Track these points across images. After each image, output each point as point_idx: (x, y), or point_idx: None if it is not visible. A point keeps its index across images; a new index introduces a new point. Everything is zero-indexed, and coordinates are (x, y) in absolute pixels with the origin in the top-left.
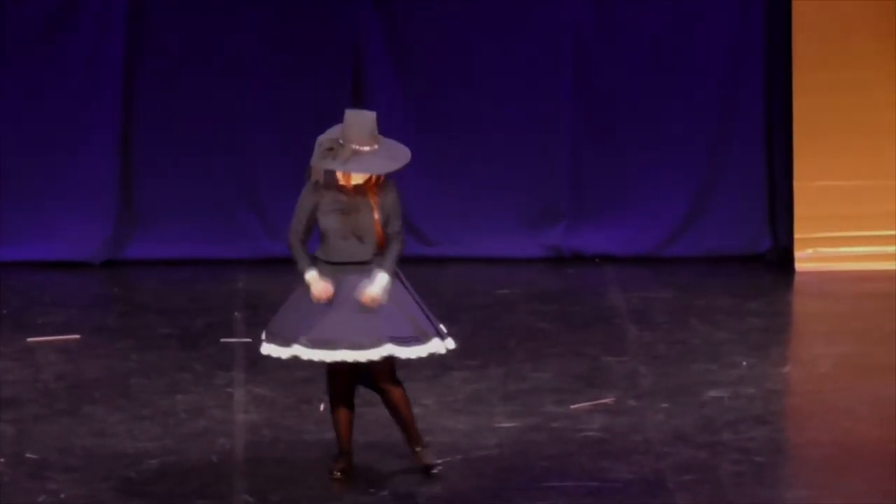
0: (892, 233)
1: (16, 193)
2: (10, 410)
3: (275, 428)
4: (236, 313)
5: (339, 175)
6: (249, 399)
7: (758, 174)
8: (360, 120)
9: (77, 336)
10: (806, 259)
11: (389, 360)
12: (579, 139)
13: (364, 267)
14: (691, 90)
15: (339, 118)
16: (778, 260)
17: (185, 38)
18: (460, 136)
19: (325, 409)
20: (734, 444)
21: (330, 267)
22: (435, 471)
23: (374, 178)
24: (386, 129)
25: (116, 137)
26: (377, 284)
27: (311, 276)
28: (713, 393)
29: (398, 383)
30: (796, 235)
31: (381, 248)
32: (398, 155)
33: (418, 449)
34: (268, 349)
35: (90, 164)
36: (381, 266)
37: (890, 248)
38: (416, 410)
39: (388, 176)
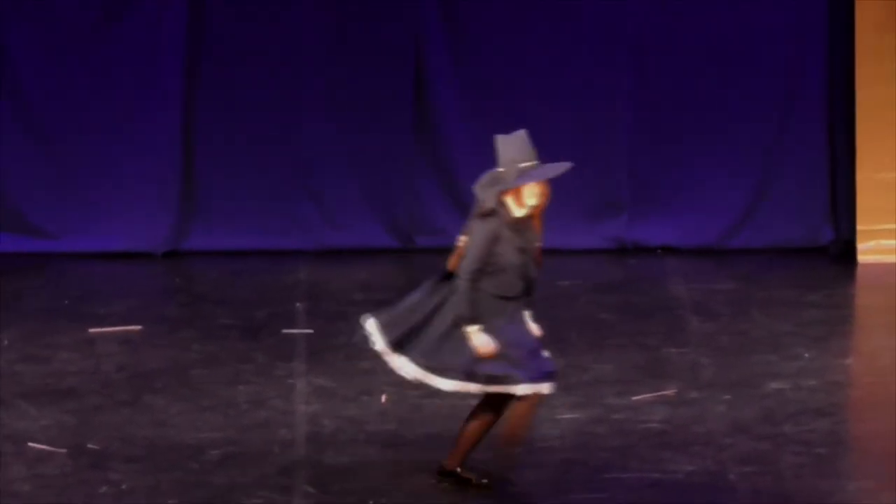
0: None
1: (78, 184)
2: (71, 401)
3: (336, 419)
4: (297, 304)
5: (514, 206)
6: (311, 390)
7: (820, 166)
8: (516, 140)
9: (138, 327)
10: (868, 251)
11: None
12: (640, 131)
13: (520, 301)
14: (752, 82)
15: (398, 108)
16: (840, 252)
17: (246, 28)
18: (517, 128)
19: (386, 400)
20: (795, 436)
21: (502, 302)
22: (485, 481)
23: (539, 211)
24: (443, 123)
25: (178, 128)
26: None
27: (476, 331)
28: (774, 385)
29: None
30: (858, 227)
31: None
32: (558, 165)
33: (460, 470)
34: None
35: (152, 155)
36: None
37: None
38: (473, 401)
39: None
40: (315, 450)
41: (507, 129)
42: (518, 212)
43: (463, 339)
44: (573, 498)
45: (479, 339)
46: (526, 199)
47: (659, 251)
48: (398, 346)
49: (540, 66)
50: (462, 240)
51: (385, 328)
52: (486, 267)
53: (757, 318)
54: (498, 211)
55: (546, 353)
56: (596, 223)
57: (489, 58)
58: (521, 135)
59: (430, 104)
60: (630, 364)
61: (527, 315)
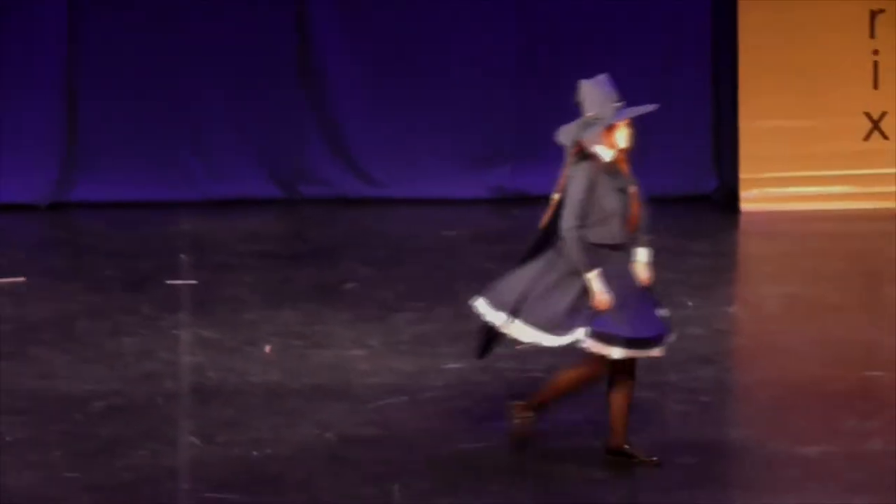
0: (838, 172)
1: None
2: None
3: (221, 370)
4: (182, 255)
5: (604, 149)
6: (195, 341)
7: (703, 115)
8: (602, 82)
9: (23, 278)
10: (751, 199)
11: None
12: (523, 81)
13: (626, 250)
14: (636, 32)
15: (281, 59)
16: (723, 200)
17: None
18: (405, 80)
19: (270, 350)
20: (680, 385)
21: (607, 251)
22: (654, 459)
23: (624, 153)
24: (331, 70)
25: (61, 81)
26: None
27: (596, 277)
28: None
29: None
30: (742, 176)
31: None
32: (645, 106)
33: (627, 447)
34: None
35: (35, 108)
36: (644, 244)
37: (836, 189)
38: (361, 352)
39: None
40: (200, 401)
41: (396, 80)
42: (608, 155)
43: (571, 294)
44: (458, 447)
45: (598, 287)
46: (618, 140)
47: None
48: (514, 314)
49: (426, 16)
50: (555, 197)
51: (495, 303)
52: (587, 216)
53: None
54: (593, 156)
55: (658, 311)
56: (480, 173)
57: (375, 6)
58: (604, 78)
59: (315, 54)
60: None
61: (638, 262)
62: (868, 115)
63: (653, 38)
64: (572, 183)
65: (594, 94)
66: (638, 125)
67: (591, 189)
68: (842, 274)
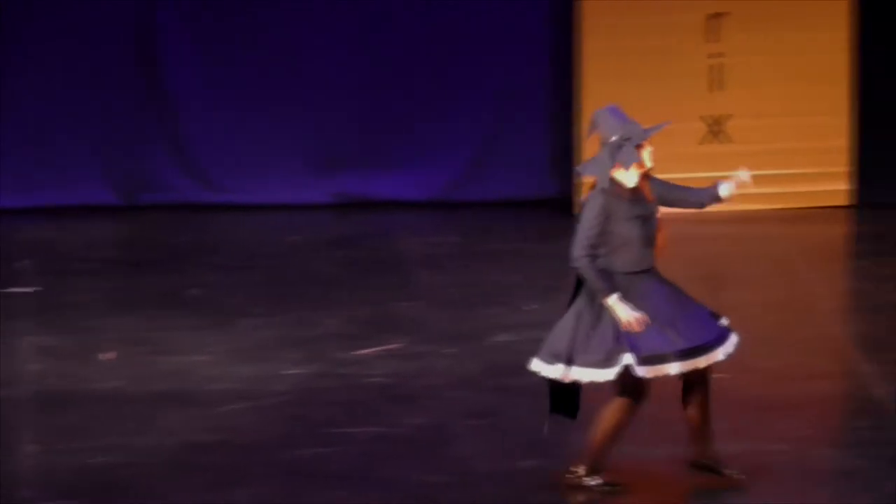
0: (677, 175)
1: None
2: None
3: (64, 377)
4: (23, 262)
5: (626, 174)
6: (38, 349)
7: (545, 118)
8: (614, 109)
9: (32, 289)
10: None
11: None
12: (366, 87)
13: (653, 273)
14: (476, 35)
15: (123, 64)
16: (565, 204)
17: None
18: (249, 86)
19: (113, 356)
20: (522, 388)
21: (628, 277)
22: (737, 473)
23: (644, 181)
24: (174, 77)
25: None
26: (728, 188)
27: (616, 301)
28: (501, 337)
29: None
30: (577, 180)
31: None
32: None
33: (707, 460)
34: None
35: None
36: (713, 190)
37: None
38: (204, 358)
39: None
40: (43, 409)
41: (239, 85)
42: (632, 179)
43: (612, 323)
44: (300, 453)
45: (621, 310)
46: (645, 159)
47: (387, 206)
48: (569, 362)
49: (271, 23)
50: None
51: (548, 358)
52: (602, 245)
53: (483, 270)
54: (606, 187)
55: (707, 315)
56: (322, 178)
57: (220, 12)
58: (615, 106)
59: (158, 60)
60: (358, 319)
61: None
62: (705, 118)
63: (493, 44)
64: (584, 212)
65: (612, 119)
66: (483, 131)
67: (604, 217)
68: (680, 277)
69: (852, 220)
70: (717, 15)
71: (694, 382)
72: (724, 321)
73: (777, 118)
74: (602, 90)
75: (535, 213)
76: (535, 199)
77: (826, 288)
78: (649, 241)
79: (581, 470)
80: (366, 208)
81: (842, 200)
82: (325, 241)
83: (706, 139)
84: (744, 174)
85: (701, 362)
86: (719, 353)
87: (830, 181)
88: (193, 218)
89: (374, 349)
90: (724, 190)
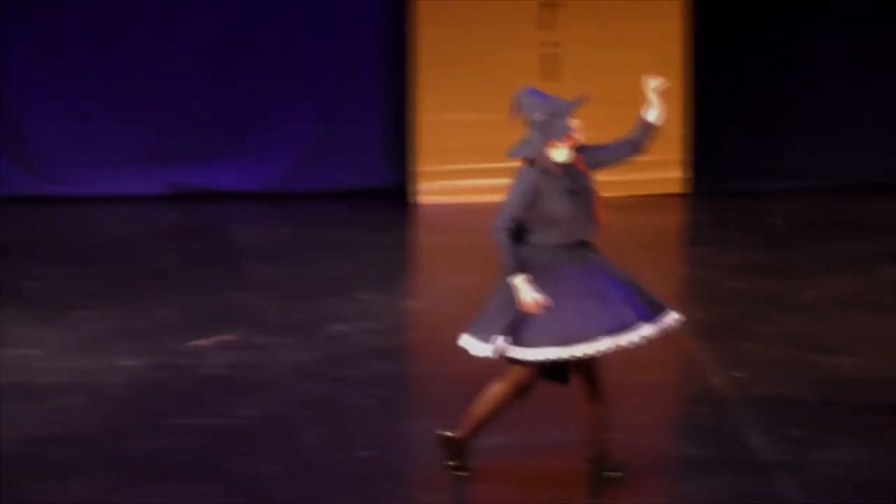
0: (506, 165)
1: None
2: None
3: None
4: None
5: (562, 150)
6: None
7: (380, 108)
8: (535, 90)
9: None
10: (427, 192)
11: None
12: (200, 78)
13: (585, 249)
14: (312, 26)
15: None
16: (400, 194)
17: None
18: (81, 76)
19: None
20: (359, 379)
21: (554, 251)
22: (615, 474)
23: (576, 153)
24: (6, 67)
25: None
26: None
27: (521, 281)
28: (337, 327)
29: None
30: (418, 168)
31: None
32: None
33: (595, 456)
34: (522, 353)
35: None
36: (642, 120)
37: (505, 181)
38: (39, 351)
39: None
40: None
41: (72, 75)
42: (562, 155)
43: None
44: (137, 445)
45: (524, 291)
46: (575, 133)
47: (220, 197)
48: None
49: (101, 13)
50: None
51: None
52: (532, 222)
53: (318, 261)
54: (538, 161)
55: (634, 297)
56: (156, 169)
57: (53, 2)
58: (534, 88)
59: None
60: (193, 310)
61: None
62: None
63: (330, 33)
64: (514, 186)
65: (533, 97)
66: (317, 122)
67: (534, 194)
68: None
69: (687, 209)
70: (551, 4)
71: (583, 373)
72: (658, 308)
73: (611, 108)
74: (436, 80)
75: (369, 204)
76: (369, 189)
77: (662, 276)
78: (585, 215)
79: (455, 434)
80: (200, 200)
81: (676, 189)
82: (159, 232)
83: None
84: (652, 82)
85: (581, 351)
86: (608, 342)
87: (665, 169)
88: (25, 210)
89: (210, 340)
90: (651, 115)
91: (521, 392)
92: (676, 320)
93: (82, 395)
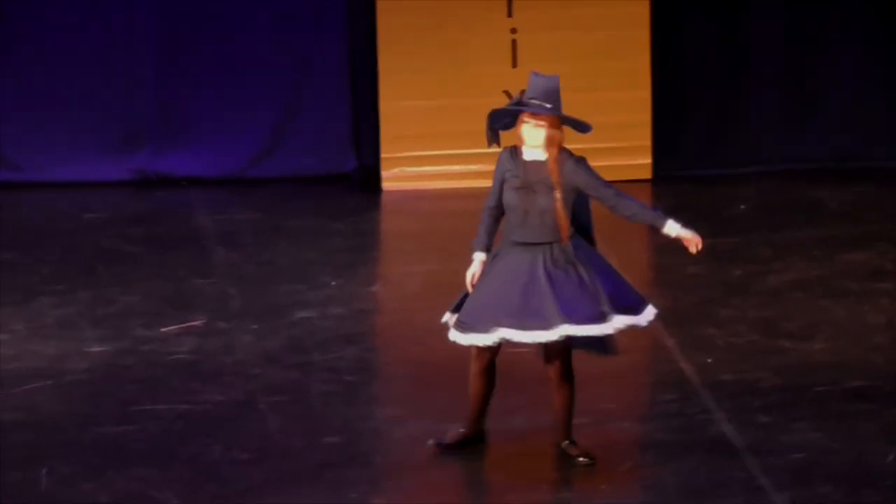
0: (470, 151)
1: None
2: None
3: None
4: None
5: (525, 149)
6: None
7: (342, 94)
8: (539, 79)
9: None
10: (391, 178)
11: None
12: (163, 62)
13: (545, 247)
14: (275, 10)
15: None
16: (363, 180)
17: None
18: (41, 61)
19: None
20: (324, 364)
21: (511, 245)
22: (583, 460)
23: (555, 155)
24: None
25: None
26: (678, 230)
27: (476, 257)
28: (302, 313)
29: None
30: (382, 155)
31: (565, 230)
32: (575, 119)
33: (565, 443)
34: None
35: None
36: (660, 218)
37: (475, 167)
38: (3, 336)
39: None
40: None
41: (28, 59)
42: (526, 153)
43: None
44: (103, 431)
45: (471, 267)
46: (527, 142)
47: (183, 182)
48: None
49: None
50: None
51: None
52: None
53: (282, 247)
54: (510, 149)
55: (565, 308)
56: (119, 155)
57: None
58: (551, 78)
59: None
60: (157, 296)
61: (672, 226)
62: (507, 93)
63: (289, 18)
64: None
65: (528, 86)
66: (280, 107)
67: (499, 177)
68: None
69: (649, 194)
70: None
71: (550, 359)
72: (619, 319)
73: (578, 93)
74: (399, 65)
75: (333, 189)
76: (333, 175)
77: (627, 262)
78: (529, 215)
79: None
80: (163, 185)
81: (645, 174)
82: (122, 218)
83: None
84: (695, 240)
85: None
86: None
87: (633, 155)
88: None
89: (177, 326)
90: (670, 228)
91: (477, 373)
92: (649, 320)
93: (47, 381)
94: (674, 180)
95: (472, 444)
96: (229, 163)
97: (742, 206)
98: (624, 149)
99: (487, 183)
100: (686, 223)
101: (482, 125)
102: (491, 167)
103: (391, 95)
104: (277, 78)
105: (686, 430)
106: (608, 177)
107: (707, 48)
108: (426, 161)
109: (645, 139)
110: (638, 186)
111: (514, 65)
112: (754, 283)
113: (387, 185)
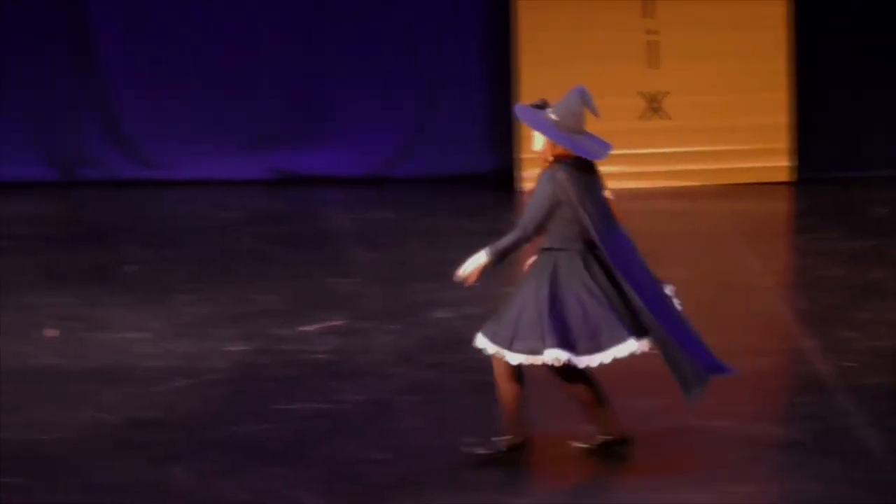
0: (615, 152)
1: None
2: None
3: (2, 355)
4: None
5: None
6: None
7: (479, 95)
8: (576, 96)
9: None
10: (530, 178)
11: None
12: (299, 62)
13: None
14: (411, 10)
15: (58, 40)
16: (500, 180)
17: None
18: (182, 61)
19: (54, 333)
20: (460, 364)
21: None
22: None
23: (548, 156)
24: (107, 52)
25: None
26: (468, 262)
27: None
28: (438, 314)
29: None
30: (520, 155)
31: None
32: (582, 141)
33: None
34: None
35: None
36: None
37: (612, 168)
38: (142, 335)
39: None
40: None
41: (171, 60)
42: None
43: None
44: (240, 429)
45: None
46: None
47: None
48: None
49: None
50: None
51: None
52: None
53: (419, 247)
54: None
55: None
56: (256, 154)
57: None
58: (580, 101)
59: (91, 35)
60: (295, 295)
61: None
62: (643, 94)
63: (429, 17)
64: None
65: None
66: (418, 107)
67: None
68: None
69: (790, 197)
70: None
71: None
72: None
73: (715, 95)
74: (540, 66)
75: (471, 189)
76: (471, 174)
77: (767, 264)
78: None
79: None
80: (300, 185)
81: (782, 177)
82: (259, 217)
83: (645, 115)
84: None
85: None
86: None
87: (771, 157)
88: (128, 194)
89: (317, 325)
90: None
91: (508, 377)
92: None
93: (185, 380)
94: (813, 182)
95: (522, 449)
96: (366, 163)
97: (883, 209)
98: (760, 151)
99: (627, 183)
100: (823, 225)
101: (620, 126)
102: (630, 168)
103: (530, 96)
104: (414, 78)
105: (823, 433)
106: (744, 179)
107: (850, 50)
108: None
109: (781, 141)
110: (776, 189)
111: (653, 65)
112: (894, 286)
113: (527, 185)
